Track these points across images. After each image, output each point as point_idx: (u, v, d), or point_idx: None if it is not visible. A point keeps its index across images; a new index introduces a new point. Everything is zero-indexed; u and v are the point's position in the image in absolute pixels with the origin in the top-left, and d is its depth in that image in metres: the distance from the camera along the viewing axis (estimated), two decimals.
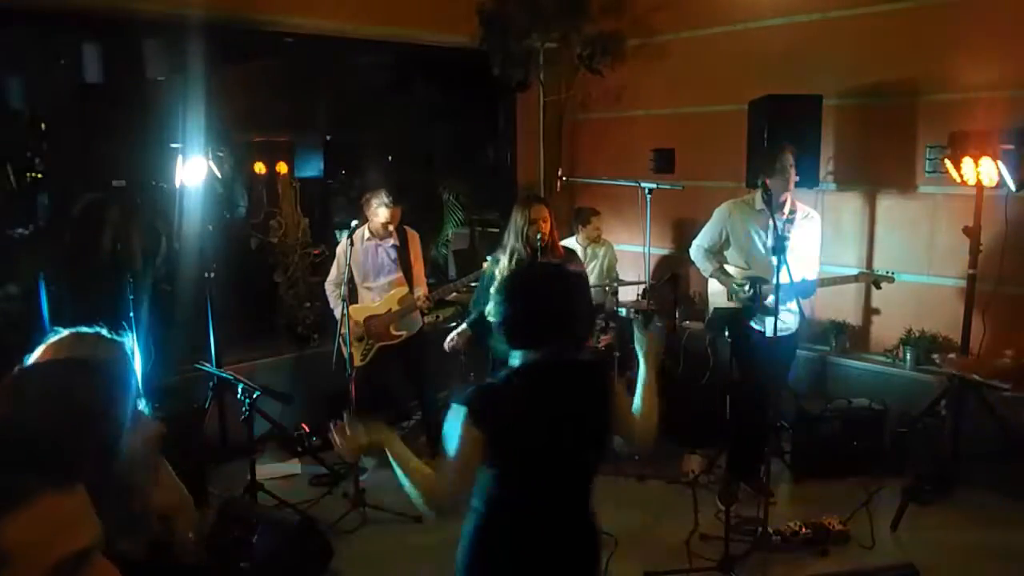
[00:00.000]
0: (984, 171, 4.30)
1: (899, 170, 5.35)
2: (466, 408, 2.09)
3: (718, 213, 4.71)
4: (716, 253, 4.72)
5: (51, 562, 1.06)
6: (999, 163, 4.23)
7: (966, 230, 4.53)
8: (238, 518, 3.85)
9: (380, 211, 4.92)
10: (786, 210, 4.47)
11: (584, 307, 2.38)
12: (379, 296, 5.03)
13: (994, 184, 4.31)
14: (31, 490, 1.09)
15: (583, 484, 2.27)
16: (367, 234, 5.02)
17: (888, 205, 5.51)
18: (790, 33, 5.78)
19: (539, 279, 2.35)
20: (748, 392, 4.34)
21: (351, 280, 4.88)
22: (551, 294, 2.23)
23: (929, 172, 5.05)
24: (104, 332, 2.25)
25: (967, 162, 4.39)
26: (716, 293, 4.80)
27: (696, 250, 4.79)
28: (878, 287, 4.70)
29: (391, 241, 5.02)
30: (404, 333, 5.04)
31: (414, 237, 5.14)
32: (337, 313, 4.93)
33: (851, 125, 5.55)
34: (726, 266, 4.70)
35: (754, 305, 4.37)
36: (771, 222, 4.19)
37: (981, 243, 4.51)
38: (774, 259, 4.49)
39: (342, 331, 4.69)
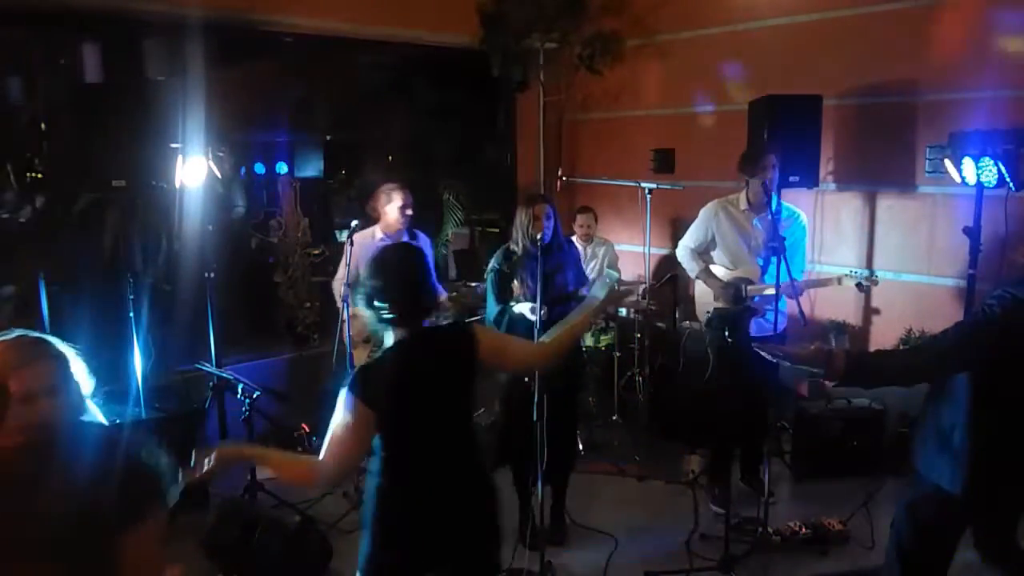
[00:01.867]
0: (984, 171, 4.30)
1: (899, 170, 5.35)
2: (346, 388, 2.37)
3: (704, 213, 4.70)
4: (702, 253, 4.73)
5: None
6: (999, 163, 4.23)
7: (966, 230, 4.53)
8: (238, 518, 3.85)
9: (395, 195, 4.80)
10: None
11: (429, 279, 2.60)
12: None
13: (994, 184, 4.30)
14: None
15: (461, 434, 2.54)
16: (379, 234, 4.90)
17: (888, 205, 5.51)
18: (790, 33, 5.78)
19: (401, 256, 2.62)
20: (737, 394, 4.35)
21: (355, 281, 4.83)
22: (412, 269, 2.52)
23: (929, 172, 5.05)
24: (26, 333, 2.18)
25: (967, 162, 4.39)
26: (703, 294, 4.80)
27: (683, 250, 4.78)
28: (861, 290, 4.67)
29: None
30: None
31: (425, 242, 5.03)
32: (345, 313, 4.88)
33: (851, 125, 5.55)
34: (712, 267, 4.70)
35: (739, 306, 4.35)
36: (766, 221, 4.20)
37: (981, 243, 4.51)
38: (758, 260, 4.50)
39: (347, 331, 4.65)
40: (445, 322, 4.68)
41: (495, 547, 2.62)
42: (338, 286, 5.01)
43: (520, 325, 3.92)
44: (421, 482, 2.44)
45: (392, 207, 4.83)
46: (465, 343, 2.50)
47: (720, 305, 4.61)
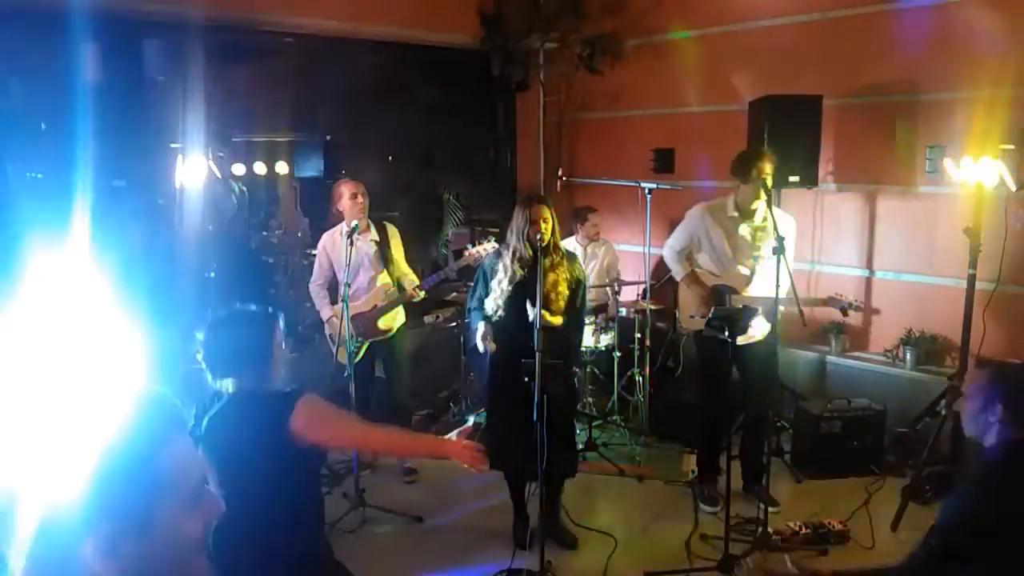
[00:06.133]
0: (984, 171, 4.30)
1: (899, 170, 5.35)
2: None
3: (689, 217, 4.61)
4: (689, 256, 4.64)
5: None
6: (999, 163, 4.23)
7: (966, 230, 4.53)
8: None
9: (343, 188, 4.81)
10: (758, 217, 4.42)
11: (259, 347, 2.48)
12: (361, 295, 4.91)
13: (994, 184, 4.31)
14: None
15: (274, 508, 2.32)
16: (344, 228, 4.81)
17: (888, 205, 5.51)
18: (790, 33, 5.78)
19: (231, 318, 2.51)
20: (715, 397, 4.36)
21: (334, 279, 4.82)
22: (239, 331, 2.44)
23: (929, 172, 5.05)
24: None
25: (967, 162, 4.39)
26: (687, 299, 4.72)
27: (668, 252, 4.68)
28: (845, 315, 4.63)
29: (369, 236, 4.90)
30: (392, 327, 4.96)
31: (394, 232, 5.03)
32: (324, 314, 4.91)
33: (851, 125, 5.55)
34: (697, 270, 4.61)
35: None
36: (751, 227, 4.27)
37: (981, 243, 4.51)
38: (742, 268, 4.46)
39: (341, 331, 4.67)
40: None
41: None
42: (314, 288, 5.01)
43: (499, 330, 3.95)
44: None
45: (345, 197, 4.81)
46: (276, 412, 2.34)
47: (698, 313, 4.54)
